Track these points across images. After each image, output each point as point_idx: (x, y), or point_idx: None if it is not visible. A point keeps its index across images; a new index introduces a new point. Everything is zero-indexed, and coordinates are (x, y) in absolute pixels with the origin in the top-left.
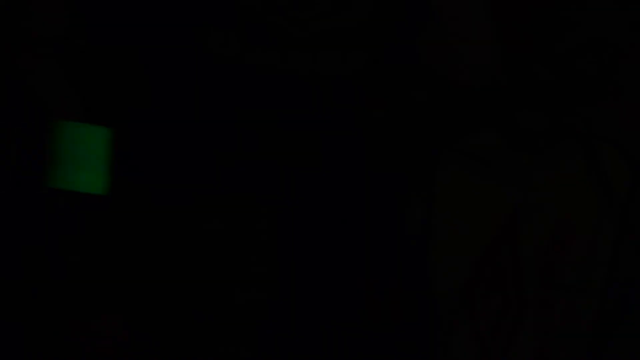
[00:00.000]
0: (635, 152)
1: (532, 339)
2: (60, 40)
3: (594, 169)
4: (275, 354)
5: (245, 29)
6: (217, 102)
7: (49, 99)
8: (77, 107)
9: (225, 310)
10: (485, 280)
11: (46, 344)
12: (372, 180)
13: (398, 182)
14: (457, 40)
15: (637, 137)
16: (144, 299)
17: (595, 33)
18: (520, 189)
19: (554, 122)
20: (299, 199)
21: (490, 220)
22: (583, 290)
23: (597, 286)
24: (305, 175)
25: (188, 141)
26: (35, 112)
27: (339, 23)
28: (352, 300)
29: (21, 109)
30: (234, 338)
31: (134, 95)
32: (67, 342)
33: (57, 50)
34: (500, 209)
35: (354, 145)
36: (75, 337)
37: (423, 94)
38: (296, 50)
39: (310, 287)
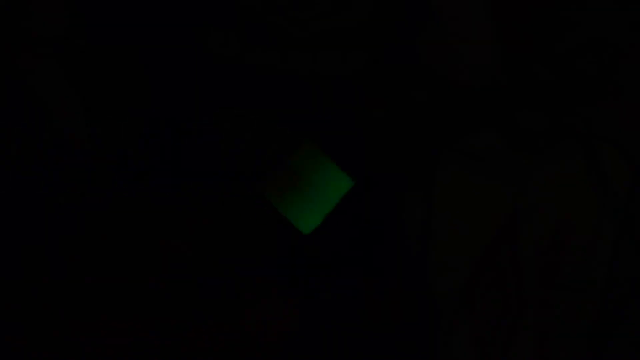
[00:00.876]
0: (635, 152)
1: (532, 339)
2: (60, 40)
3: (594, 169)
4: (274, 354)
5: (245, 29)
6: (217, 102)
7: (49, 99)
8: (77, 108)
9: (224, 310)
10: (485, 280)
11: (46, 344)
12: (372, 180)
13: (398, 182)
14: (457, 40)
15: (637, 137)
16: (143, 299)
17: (595, 33)
18: (520, 189)
19: (554, 122)
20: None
21: (490, 220)
22: (583, 290)
23: (597, 286)
24: None
25: (187, 141)
26: (36, 112)
27: (339, 23)
28: (352, 300)
29: (21, 109)
30: (233, 337)
31: (134, 95)
32: (68, 343)
33: (57, 50)
34: (500, 209)
35: (354, 145)
36: (75, 338)
37: (423, 94)
38: (296, 50)
39: (309, 287)
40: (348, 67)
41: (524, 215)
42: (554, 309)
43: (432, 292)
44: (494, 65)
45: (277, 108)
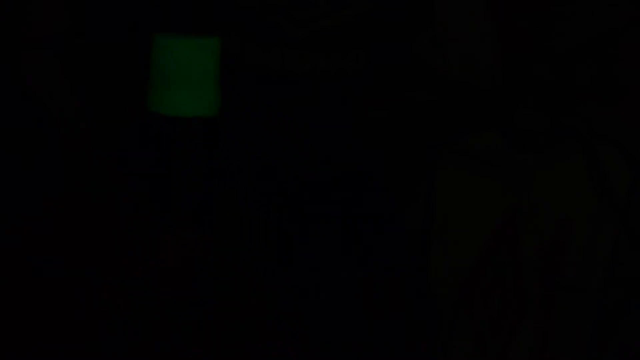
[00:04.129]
0: (635, 152)
1: (532, 339)
2: (60, 40)
3: (594, 169)
4: (274, 353)
5: (245, 29)
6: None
7: (49, 98)
8: (77, 107)
9: (224, 307)
10: (485, 280)
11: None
12: (372, 180)
13: (398, 182)
14: (457, 40)
15: (637, 137)
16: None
17: (595, 32)
18: (520, 189)
19: (554, 122)
20: (297, 198)
21: (490, 220)
22: (583, 290)
23: (597, 286)
24: (304, 175)
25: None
26: (36, 112)
27: (339, 23)
28: (351, 299)
29: (21, 108)
30: (232, 336)
31: (134, 95)
32: (141, 256)
33: (57, 50)
34: (500, 209)
35: (353, 145)
36: (148, 251)
37: (423, 94)
38: (296, 50)
39: (309, 287)
40: (348, 67)
41: (524, 215)
42: (554, 309)
43: (432, 292)
44: (494, 65)
45: (277, 108)
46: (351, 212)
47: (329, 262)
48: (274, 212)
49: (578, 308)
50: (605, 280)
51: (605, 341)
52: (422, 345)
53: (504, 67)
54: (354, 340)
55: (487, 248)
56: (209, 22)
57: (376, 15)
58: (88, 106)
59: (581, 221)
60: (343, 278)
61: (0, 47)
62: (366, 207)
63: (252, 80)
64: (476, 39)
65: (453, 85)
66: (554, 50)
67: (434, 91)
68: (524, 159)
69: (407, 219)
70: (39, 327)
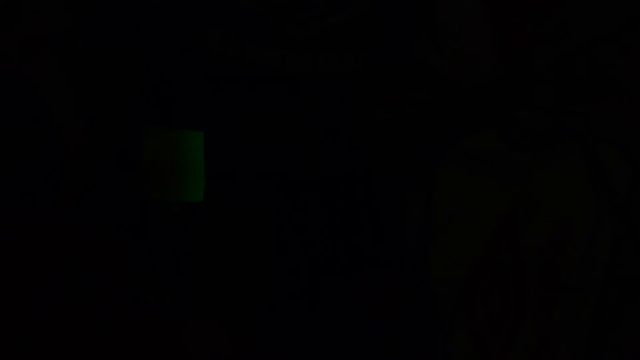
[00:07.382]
0: (635, 152)
1: (532, 339)
2: (60, 40)
3: (594, 169)
4: (274, 354)
5: (245, 29)
6: (217, 102)
7: (49, 98)
8: (77, 107)
9: (226, 308)
10: (485, 280)
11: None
12: (372, 180)
13: (398, 181)
14: (457, 40)
15: (637, 137)
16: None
17: (594, 33)
18: (520, 188)
19: (554, 122)
20: (298, 198)
21: (490, 219)
22: (583, 290)
23: (597, 286)
24: (305, 175)
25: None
26: (36, 112)
27: (339, 23)
28: (351, 300)
29: (21, 109)
30: (232, 336)
31: (134, 95)
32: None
33: (57, 50)
34: (500, 209)
35: (354, 145)
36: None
37: (423, 94)
38: (296, 50)
39: (309, 288)
40: (348, 67)
41: (524, 214)
42: (554, 308)
43: (432, 292)
44: (494, 65)
45: (277, 108)
46: (351, 212)
47: (328, 262)
48: (274, 212)
49: (578, 308)
50: (605, 280)
51: (605, 341)
52: (422, 345)
53: (504, 67)
54: (354, 341)
55: (487, 248)
56: (209, 22)
57: (376, 15)
58: (88, 106)
59: (581, 221)
60: (343, 278)
61: (0, 47)
62: (366, 208)
63: (252, 80)
64: (476, 39)
65: (453, 85)
66: (554, 50)
67: (434, 91)
68: (524, 159)
69: (408, 219)
70: (39, 327)
